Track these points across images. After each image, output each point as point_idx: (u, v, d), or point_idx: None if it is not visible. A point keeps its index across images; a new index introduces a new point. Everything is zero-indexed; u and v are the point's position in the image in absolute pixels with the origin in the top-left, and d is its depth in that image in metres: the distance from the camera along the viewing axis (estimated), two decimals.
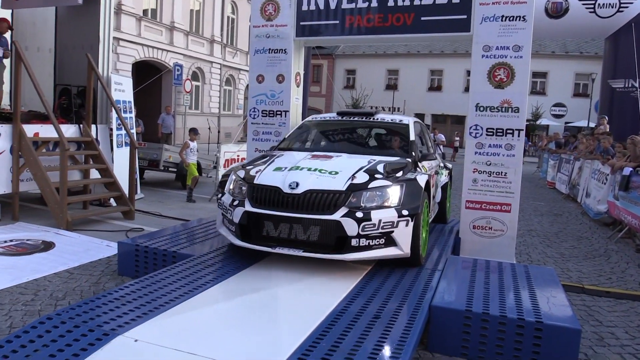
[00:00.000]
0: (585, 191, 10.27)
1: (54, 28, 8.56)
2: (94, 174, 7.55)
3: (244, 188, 4.12)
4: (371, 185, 3.89)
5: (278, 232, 3.87)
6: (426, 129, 6.37)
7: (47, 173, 6.47)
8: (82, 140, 7.48)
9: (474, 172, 5.30)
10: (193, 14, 25.11)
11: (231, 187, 4.29)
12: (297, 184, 3.85)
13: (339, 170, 4.04)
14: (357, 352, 2.61)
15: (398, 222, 3.79)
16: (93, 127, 7.79)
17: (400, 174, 4.15)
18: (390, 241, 3.81)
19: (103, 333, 2.73)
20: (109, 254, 5.22)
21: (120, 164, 7.97)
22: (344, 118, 5.50)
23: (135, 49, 20.83)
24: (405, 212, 3.82)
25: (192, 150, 9.38)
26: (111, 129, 8.28)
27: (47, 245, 5.44)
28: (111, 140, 8.21)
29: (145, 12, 21.77)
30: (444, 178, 6.25)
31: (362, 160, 4.34)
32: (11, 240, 5.53)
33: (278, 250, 3.82)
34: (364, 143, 5.44)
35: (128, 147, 7.96)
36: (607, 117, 13.32)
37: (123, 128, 8.04)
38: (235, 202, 4.08)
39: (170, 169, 10.59)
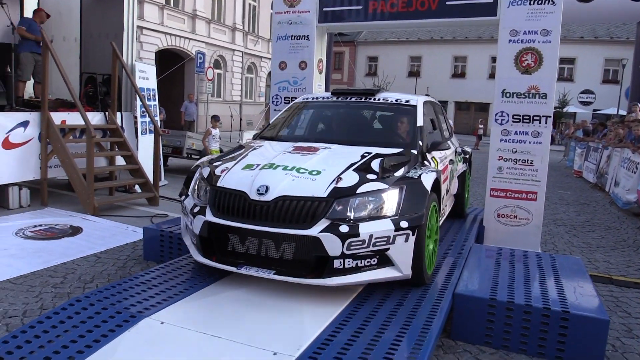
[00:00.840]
0: (614, 180, 10.03)
1: (79, 17, 8.67)
2: (120, 160, 7.67)
3: (207, 190, 3.42)
4: (361, 189, 3.13)
5: (245, 247, 3.21)
6: (442, 109, 5.62)
7: (74, 160, 6.59)
8: (107, 128, 7.60)
9: (499, 159, 5.21)
10: (214, 1, 25.13)
11: (196, 187, 3.58)
12: (267, 189, 3.12)
13: (323, 168, 3.29)
14: (380, 337, 2.63)
15: (395, 236, 3.05)
16: (118, 114, 7.90)
17: (400, 171, 3.40)
18: (384, 260, 3.11)
19: (130, 315, 2.80)
20: (135, 239, 5.32)
21: (145, 151, 8.08)
22: (340, 98, 4.67)
23: (158, 37, 20.99)
24: (404, 224, 3.08)
25: (214, 138, 9.45)
26: (135, 117, 8.39)
27: (75, 230, 5.56)
28: (135, 128, 8.32)
29: (167, 0, 21.88)
30: (461, 166, 5.58)
31: (355, 153, 3.61)
32: (40, 225, 5.67)
33: (244, 270, 3.13)
34: (361, 130, 4.53)
35: (152, 135, 8.05)
36: None
37: (147, 115, 8.13)
38: (196, 209, 3.38)
39: (193, 156, 10.69)
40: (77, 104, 6.76)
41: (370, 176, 3.25)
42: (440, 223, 4.24)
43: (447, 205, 4.81)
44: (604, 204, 9.58)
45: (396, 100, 4.52)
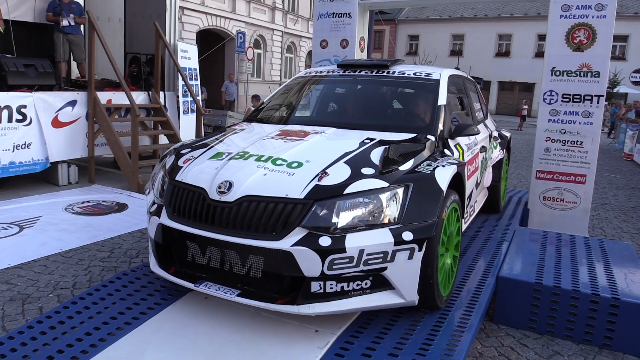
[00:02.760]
0: None
1: None
2: (163, 139, 7.82)
3: (166, 185, 2.84)
4: (351, 188, 2.44)
5: (207, 259, 2.64)
6: (475, 86, 4.87)
7: (120, 138, 6.77)
8: (151, 107, 7.75)
9: (546, 140, 5.02)
10: None
11: (159, 180, 3.00)
12: (230, 186, 2.49)
13: (306, 159, 2.65)
14: (421, 320, 2.61)
15: (395, 252, 2.38)
16: (161, 94, 8.04)
17: (409, 164, 2.68)
18: (381, 283, 2.44)
19: (175, 289, 2.87)
20: None
21: (187, 130, 8.21)
22: (347, 72, 3.98)
23: (199, 17, 21.15)
24: (408, 236, 2.40)
25: None
26: (178, 96, 8.51)
27: (121, 207, 5.73)
28: (178, 107, 8.45)
29: None
30: (496, 153, 4.82)
31: (353, 140, 2.95)
32: (88, 201, 5.86)
33: (202, 288, 2.54)
34: (366, 110, 3.76)
35: (194, 114, 8.17)
36: None
37: (189, 95, 8.24)
38: (153, 208, 2.84)
39: None
40: (123, 83, 6.90)
41: (367, 170, 2.55)
42: (466, 226, 3.66)
43: (477, 201, 4.11)
44: None
45: (414, 74, 3.77)
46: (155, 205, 2.83)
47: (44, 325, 2.51)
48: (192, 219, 2.57)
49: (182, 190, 2.67)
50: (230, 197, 2.46)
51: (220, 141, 3.12)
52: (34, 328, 2.49)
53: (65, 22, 7.35)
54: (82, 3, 8.66)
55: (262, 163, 2.63)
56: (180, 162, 2.87)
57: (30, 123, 6.14)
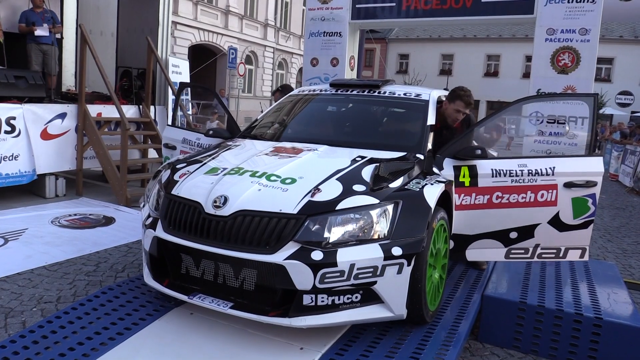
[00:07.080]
0: None
1: (116, 12, 8.88)
2: (152, 153, 7.81)
3: (161, 199, 2.92)
4: (343, 204, 2.51)
5: (200, 271, 2.69)
6: None
7: (109, 151, 6.75)
8: (141, 121, 7.75)
9: None
10: None
11: (154, 194, 3.06)
12: (226, 200, 2.56)
13: (300, 176, 2.71)
14: (407, 337, 2.62)
15: (384, 267, 2.44)
16: (152, 108, 8.05)
17: (398, 182, 2.74)
18: (370, 297, 2.49)
19: (160, 305, 2.86)
20: None
21: None
22: (339, 91, 4.06)
23: (191, 32, 21.29)
24: (397, 251, 2.46)
25: None
26: (168, 110, 8.52)
27: (108, 220, 5.69)
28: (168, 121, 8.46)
29: None
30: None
31: (345, 157, 3.00)
32: (75, 214, 5.82)
33: (196, 300, 2.60)
34: (358, 129, 3.83)
35: None
36: None
37: (180, 109, 8.26)
38: (148, 221, 2.91)
39: None
40: (113, 97, 6.91)
41: (358, 187, 2.62)
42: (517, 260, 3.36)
43: (541, 243, 3.28)
44: None
45: (404, 94, 3.86)
46: (151, 219, 2.90)
47: (26, 340, 2.48)
48: (187, 232, 2.63)
49: (178, 204, 2.74)
50: (226, 211, 2.53)
51: (215, 157, 3.18)
52: (16, 342, 2.46)
53: (40, 32, 7.12)
54: (74, 15, 8.73)
55: (256, 179, 2.69)
56: (176, 177, 2.93)
57: (18, 135, 6.11)
